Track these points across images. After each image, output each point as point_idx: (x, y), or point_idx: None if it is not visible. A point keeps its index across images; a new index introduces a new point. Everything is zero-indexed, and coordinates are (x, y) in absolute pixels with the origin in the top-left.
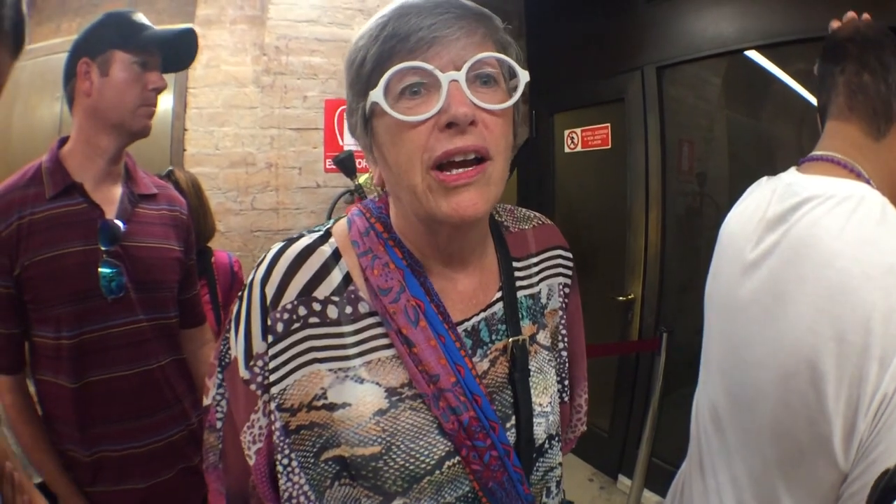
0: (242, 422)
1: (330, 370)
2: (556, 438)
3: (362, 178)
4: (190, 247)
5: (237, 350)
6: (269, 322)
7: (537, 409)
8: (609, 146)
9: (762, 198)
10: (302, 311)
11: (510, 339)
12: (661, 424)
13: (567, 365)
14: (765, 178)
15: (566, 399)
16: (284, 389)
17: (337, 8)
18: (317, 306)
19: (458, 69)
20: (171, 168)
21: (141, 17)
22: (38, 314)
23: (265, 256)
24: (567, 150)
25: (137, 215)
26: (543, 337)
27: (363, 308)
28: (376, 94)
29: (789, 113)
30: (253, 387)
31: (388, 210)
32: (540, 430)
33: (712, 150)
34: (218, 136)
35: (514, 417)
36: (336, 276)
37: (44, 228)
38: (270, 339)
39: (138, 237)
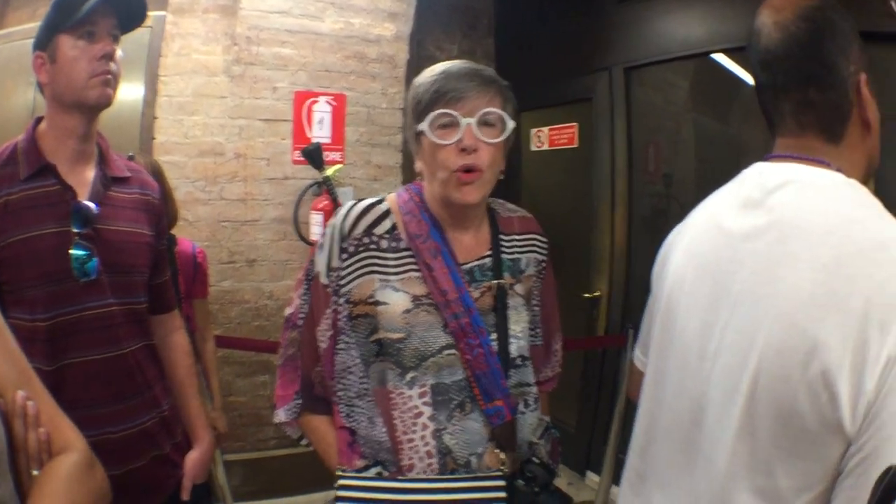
0: (320, 315)
1: (379, 279)
2: (527, 360)
3: (330, 171)
4: (161, 231)
5: (320, 266)
6: (344, 245)
7: (511, 332)
8: (576, 145)
9: (728, 189)
10: (366, 240)
11: (495, 281)
12: (628, 420)
13: (539, 318)
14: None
15: (539, 343)
16: (351, 289)
17: (308, 0)
18: (375, 239)
19: (472, 116)
20: (131, 154)
21: None
22: (14, 296)
23: (343, 208)
24: (534, 148)
25: (110, 198)
26: (520, 289)
27: (402, 245)
28: (423, 126)
29: (757, 116)
30: (329, 290)
31: (423, 189)
32: (513, 348)
33: (679, 151)
34: (187, 124)
35: (495, 334)
36: (387, 224)
37: (19, 209)
38: (344, 256)
39: (110, 220)
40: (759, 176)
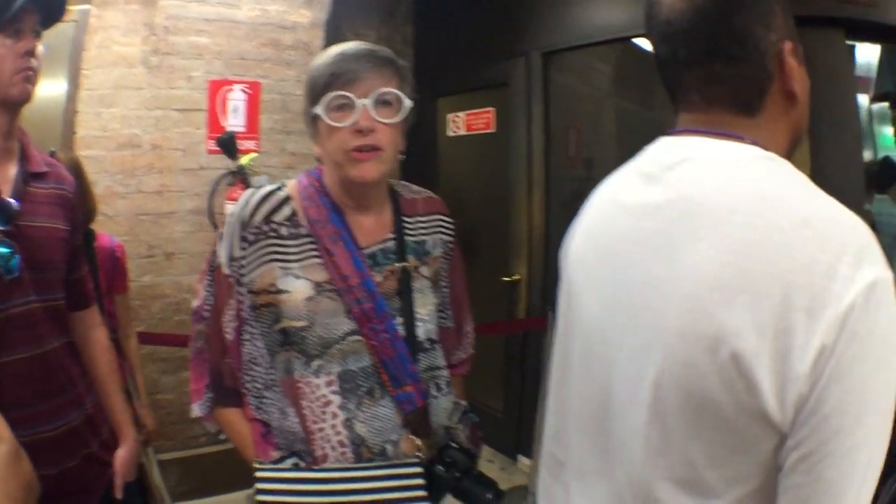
0: (223, 305)
1: (280, 268)
2: (436, 343)
3: (244, 160)
4: (76, 226)
5: (222, 256)
6: (244, 234)
7: (418, 315)
8: (493, 130)
9: (630, 165)
10: (265, 228)
11: (399, 265)
12: None
13: (448, 299)
14: None
15: (449, 325)
16: (253, 279)
17: None
18: (275, 227)
19: (368, 97)
20: (52, 150)
21: None
22: None
23: (242, 197)
24: (451, 133)
25: (29, 194)
26: (426, 271)
27: (302, 231)
28: (318, 109)
29: None
30: (231, 280)
31: (323, 174)
32: (420, 332)
33: (600, 136)
34: (106, 117)
35: (401, 317)
36: (286, 211)
37: None
38: (244, 245)
39: (30, 216)
40: (659, 151)
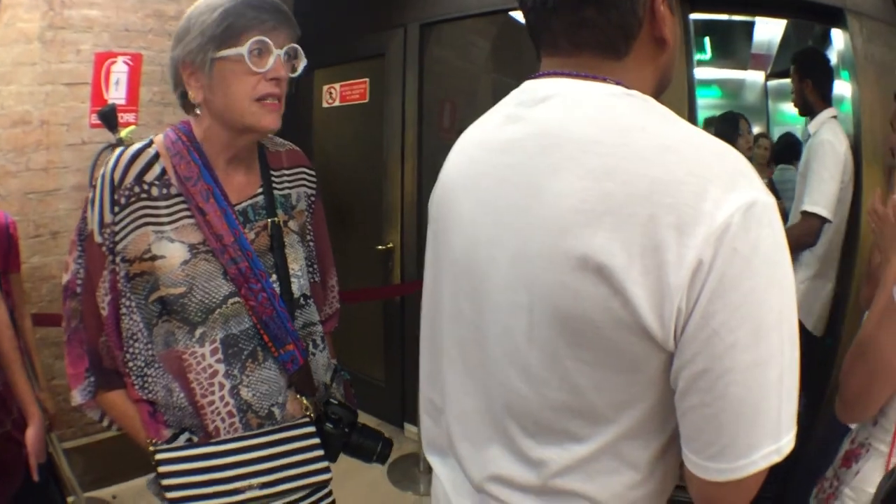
0: (97, 278)
1: (154, 231)
2: (310, 299)
3: (124, 132)
4: None
5: (93, 223)
6: (116, 197)
7: (291, 271)
8: (367, 101)
9: (493, 108)
10: (137, 189)
11: (269, 220)
12: None
13: (315, 253)
14: None
15: (317, 280)
16: (126, 246)
17: None
18: (146, 187)
19: (282, 48)
20: None
21: None
22: None
23: (112, 156)
24: (325, 105)
25: None
26: (294, 225)
27: (174, 191)
28: (231, 51)
29: None
30: (104, 249)
31: (191, 128)
32: (295, 288)
33: (475, 109)
34: (4, 95)
35: (275, 275)
36: (157, 169)
37: None
38: (117, 209)
39: None
40: (522, 92)
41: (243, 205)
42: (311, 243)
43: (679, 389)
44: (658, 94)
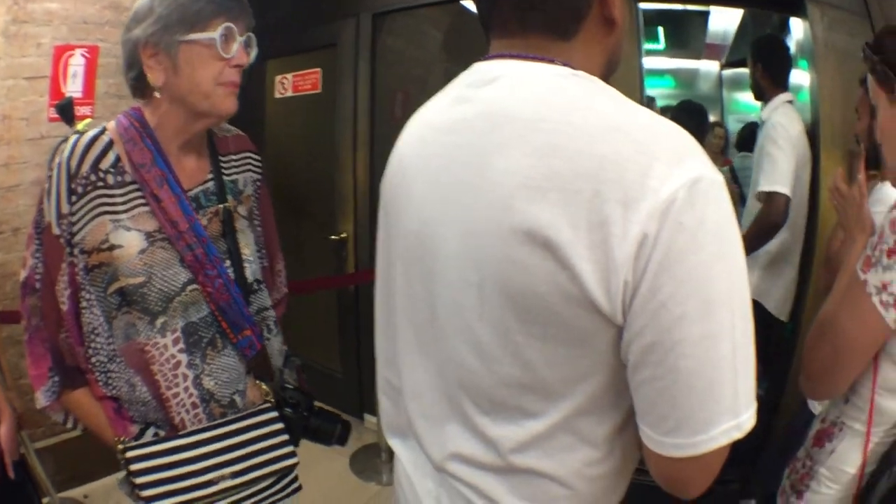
0: (56, 271)
1: (111, 220)
2: (262, 284)
3: (80, 125)
4: None
5: (50, 214)
6: (73, 186)
7: (244, 256)
8: (319, 91)
9: (441, 91)
10: (93, 177)
11: (221, 206)
12: None
13: (263, 238)
14: None
15: (266, 265)
16: (84, 237)
17: None
18: (101, 175)
19: (243, 35)
20: None
21: None
22: None
23: (65, 144)
24: (278, 95)
25: None
26: (242, 210)
27: (128, 178)
28: (212, 35)
29: None
30: (62, 241)
31: (143, 114)
32: (248, 273)
33: (429, 98)
34: None
35: (229, 260)
36: (111, 157)
37: None
38: (74, 199)
39: None
40: (471, 74)
41: (195, 190)
42: (259, 228)
43: (630, 363)
44: (607, 75)
